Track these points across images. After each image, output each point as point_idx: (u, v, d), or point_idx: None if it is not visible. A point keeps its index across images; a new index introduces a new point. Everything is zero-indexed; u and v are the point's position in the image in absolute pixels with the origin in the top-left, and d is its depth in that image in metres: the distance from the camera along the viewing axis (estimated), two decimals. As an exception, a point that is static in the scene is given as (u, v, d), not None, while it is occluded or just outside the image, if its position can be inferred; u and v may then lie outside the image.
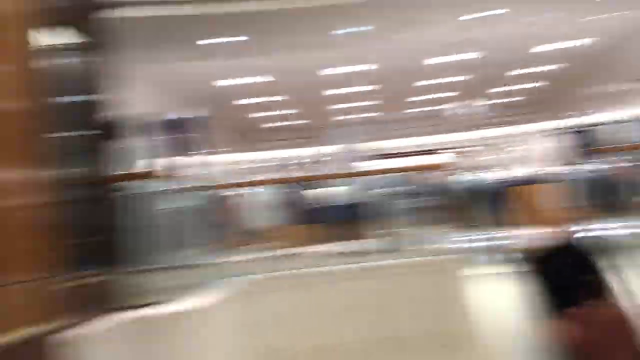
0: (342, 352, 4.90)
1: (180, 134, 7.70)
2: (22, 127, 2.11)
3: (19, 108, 2.10)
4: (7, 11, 2.13)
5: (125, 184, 3.40)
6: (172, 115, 7.86)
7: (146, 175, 3.51)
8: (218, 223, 6.31)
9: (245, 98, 14.13)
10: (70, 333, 2.25)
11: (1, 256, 1.88)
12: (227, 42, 8.91)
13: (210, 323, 3.68)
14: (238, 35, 8.60)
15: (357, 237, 5.90)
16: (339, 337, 4.92)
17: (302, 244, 6.52)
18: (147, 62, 8.44)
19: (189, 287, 3.93)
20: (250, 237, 6.74)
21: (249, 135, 17.06)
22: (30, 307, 1.95)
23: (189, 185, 4.63)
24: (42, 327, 2.01)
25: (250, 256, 6.04)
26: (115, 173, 3.15)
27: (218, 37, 8.50)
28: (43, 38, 2.47)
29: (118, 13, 3.79)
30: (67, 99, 2.91)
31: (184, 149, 7.30)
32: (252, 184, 6.17)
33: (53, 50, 2.65)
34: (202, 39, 8.49)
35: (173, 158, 4.59)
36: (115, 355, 2.81)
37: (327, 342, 4.90)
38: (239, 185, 6.15)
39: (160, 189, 3.92)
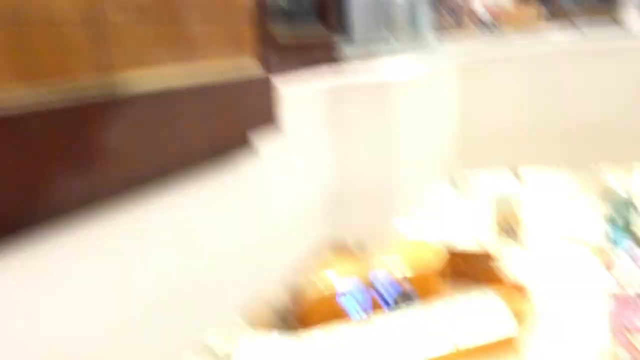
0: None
1: None
2: None
3: None
4: None
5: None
6: None
7: None
8: (445, 7, 6.04)
9: None
10: (286, 81, 2.51)
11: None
12: None
13: (416, 95, 3.59)
14: None
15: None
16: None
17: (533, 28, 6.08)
18: None
19: (403, 60, 3.96)
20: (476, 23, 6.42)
21: None
22: (252, 46, 2.15)
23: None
24: (259, 70, 2.22)
25: (472, 41, 5.81)
26: None
27: None
28: None
29: None
30: None
31: None
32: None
33: None
34: None
35: None
36: (317, 113, 2.96)
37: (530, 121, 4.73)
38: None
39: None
